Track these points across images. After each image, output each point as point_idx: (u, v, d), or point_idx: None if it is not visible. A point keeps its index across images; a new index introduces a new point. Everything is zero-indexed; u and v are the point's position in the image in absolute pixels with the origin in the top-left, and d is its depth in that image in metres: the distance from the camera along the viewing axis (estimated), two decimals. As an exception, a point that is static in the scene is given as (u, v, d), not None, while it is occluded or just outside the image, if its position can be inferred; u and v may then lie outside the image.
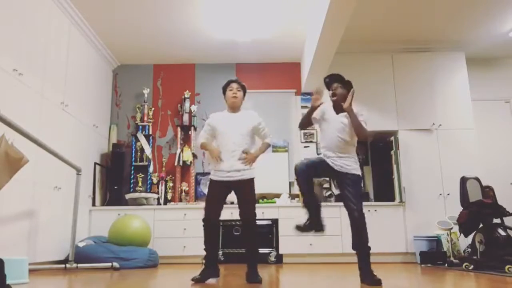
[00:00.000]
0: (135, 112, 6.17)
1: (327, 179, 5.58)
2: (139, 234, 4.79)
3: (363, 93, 5.55)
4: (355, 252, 3.04)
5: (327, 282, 3.12)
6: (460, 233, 4.44)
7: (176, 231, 5.23)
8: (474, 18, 5.14)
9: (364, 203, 3.09)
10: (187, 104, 6.12)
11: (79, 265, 4.24)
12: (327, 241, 5.09)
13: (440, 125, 5.56)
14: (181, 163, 5.91)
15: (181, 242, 5.19)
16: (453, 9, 4.93)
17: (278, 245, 5.18)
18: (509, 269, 3.58)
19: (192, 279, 3.08)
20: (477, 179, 4.61)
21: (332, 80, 3.23)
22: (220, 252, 5.12)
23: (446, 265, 4.65)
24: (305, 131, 6.01)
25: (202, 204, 3.50)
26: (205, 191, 3.39)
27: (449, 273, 3.80)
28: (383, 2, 4.75)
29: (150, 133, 6.02)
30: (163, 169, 6.02)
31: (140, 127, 6.01)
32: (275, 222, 5.26)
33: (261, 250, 4.97)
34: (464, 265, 4.21)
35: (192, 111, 6.14)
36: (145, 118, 6.06)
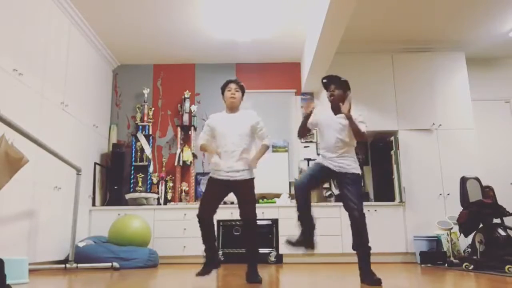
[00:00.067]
0: (135, 112, 6.17)
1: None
2: (139, 234, 4.79)
3: (363, 93, 5.57)
4: (355, 252, 3.04)
5: (327, 282, 3.12)
6: (460, 233, 4.44)
7: (176, 231, 5.23)
8: (474, 18, 5.14)
9: (364, 203, 3.09)
10: (187, 104, 6.12)
11: (79, 265, 4.24)
12: (327, 241, 5.09)
13: (440, 125, 5.56)
14: (181, 163, 5.91)
15: (181, 242, 5.19)
16: (453, 9, 4.93)
17: (278, 245, 5.18)
18: (509, 269, 3.59)
19: (197, 274, 3.08)
20: (477, 179, 4.61)
21: (329, 81, 3.27)
22: (220, 252, 5.12)
23: (446, 265, 4.65)
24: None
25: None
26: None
27: (449, 273, 3.80)
28: (383, 2, 4.75)
29: (150, 133, 6.02)
30: (163, 169, 6.02)
31: (140, 127, 6.02)
32: (275, 222, 5.26)
33: (261, 250, 4.98)
34: (464, 265, 4.21)
35: (192, 111, 6.14)
36: (145, 118, 6.06)
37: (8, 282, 2.33)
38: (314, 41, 4.81)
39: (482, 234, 4.18)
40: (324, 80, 3.29)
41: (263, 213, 5.22)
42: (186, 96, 6.15)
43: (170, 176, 5.93)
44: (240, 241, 5.08)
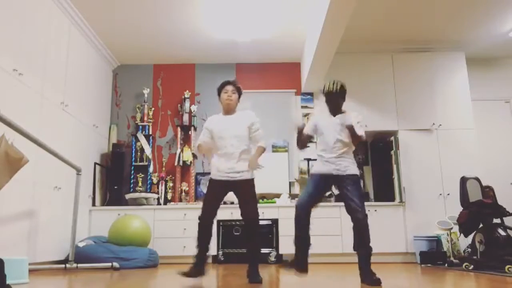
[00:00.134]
0: (135, 112, 6.17)
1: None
2: (139, 234, 4.79)
3: (363, 93, 5.58)
4: (355, 252, 3.04)
5: (327, 282, 3.12)
6: (460, 233, 4.44)
7: (176, 231, 5.23)
8: (474, 18, 5.14)
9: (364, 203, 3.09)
10: (187, 104, 6.12)
11: (79, 265, 4.24)
12: (327, 241, 5.09)
13: (440, 125, 5.56)
14: (181, 163, 5.91)
15: (181, 242, 5.19)
16: (453, 9, 4.93)
17: (278, 245, 5.18)
18: (509, 269, 3.59)
19: (181, 274, 3.08)
20: (477, 179, 4.61)
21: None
22: (220, 252, 5.12)
23: (446, 265, 4.65)
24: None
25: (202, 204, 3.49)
26: (205, 191, 3.37)
27: (449, 273, 3.80)
28: (383, 2, 4.75)
29: (150, 133, 6.02)
30: (163, 169, 6.02)
31: (140, 127, 6.02)
32: (275, 222, 5.26)
33: (261, 250, 4.97)
34: (464, 265, 4.21)
35: (192, 111, 6.14)
36: (145, 118, 6.06)
37: (8, 282, 2.33)
38: (314, 41, 4.81)
39: (482, 234, 4.18)
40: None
41: (263, 213, 5.21)
42: (186, 96, 6.15)
43: (170, 176, 5.93)
44: (240, 241, 5.07)
